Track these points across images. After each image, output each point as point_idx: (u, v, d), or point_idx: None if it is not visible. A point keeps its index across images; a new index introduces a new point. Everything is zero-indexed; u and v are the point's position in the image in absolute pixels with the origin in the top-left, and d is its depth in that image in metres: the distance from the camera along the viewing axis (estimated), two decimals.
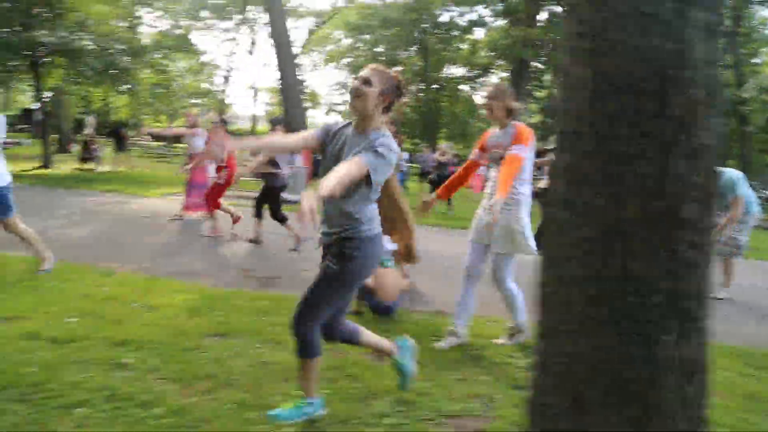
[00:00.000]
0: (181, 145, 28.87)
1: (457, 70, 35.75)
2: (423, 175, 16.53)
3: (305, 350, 2.53)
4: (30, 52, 12.36)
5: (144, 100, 16.11)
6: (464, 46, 32.84)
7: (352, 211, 2.47)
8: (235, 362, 3.25)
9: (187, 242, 7.05)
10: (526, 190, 3.78)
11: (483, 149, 3.96)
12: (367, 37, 29.36)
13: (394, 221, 4.94)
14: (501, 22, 31.67)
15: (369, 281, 4.40)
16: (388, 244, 4.63)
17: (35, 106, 42.23)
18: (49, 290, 4.31)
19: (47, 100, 15.57)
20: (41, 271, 4.73)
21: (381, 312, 4.41)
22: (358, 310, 4.48)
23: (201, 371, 3.08)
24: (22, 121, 35.36)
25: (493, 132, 3.88)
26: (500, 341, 4.00)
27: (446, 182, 4.24)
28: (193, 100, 35.31)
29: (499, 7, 27.84)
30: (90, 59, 12.58)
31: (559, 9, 17.69)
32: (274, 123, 7.39)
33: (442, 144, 17.14)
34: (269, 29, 17.45)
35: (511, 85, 19.40)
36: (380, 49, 30.31)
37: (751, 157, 23.17)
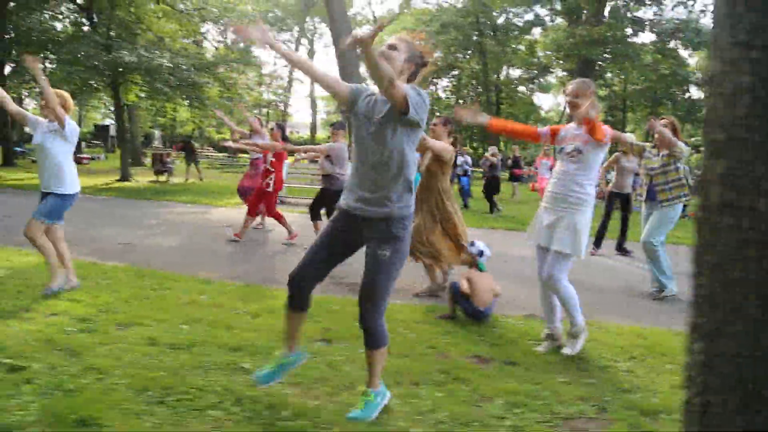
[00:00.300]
0: (245, 156, 29.87)
1: (514, 72, 35.39)
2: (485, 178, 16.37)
3: (379, 341, 2.65)
4: (111, 72, 13.10)
5: (212, 113, 16.65)
6: (522, 47, 32.43)
7: (396, 188, 2.53)
8: (348, 367, 3.31)
9: (270, 250, 7.25)
10: (592, 191, 3.72)
11: (554, 135, 3.90)
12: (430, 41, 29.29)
13: (442, 221, 4.93)
14: (559, 21, 31.17)
15: (465, 286, 4.40)
16: (486, 249, 4.61)
17: (106, 122, 44.74)
18: (154, 298, 4.52)
19: (121, 116, 16.29)
20: (48, 290, 4.39)
21: (476, 317, 4.38)
22: (452, 314, 4.47)
23: (317, 375, 3.15)
24: (94, 136, 37.58)
25: (569, 126, 3.84)
26: (561, 348, 3.85)
27: (502, 122, 4.20)
28: (256, 111, 36.41)
29: (558, 6, 27.37)
30: (166, 76, 13.20)
31: (622, 5, 17.21)
32: (336, 127, 7.45)
33: (490, 148, 17.07)
34: (332, 38, 17.73)
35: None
36: (437, 54, 30.25)
37: None
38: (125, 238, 7.35)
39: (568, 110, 3.89)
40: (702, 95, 25.93)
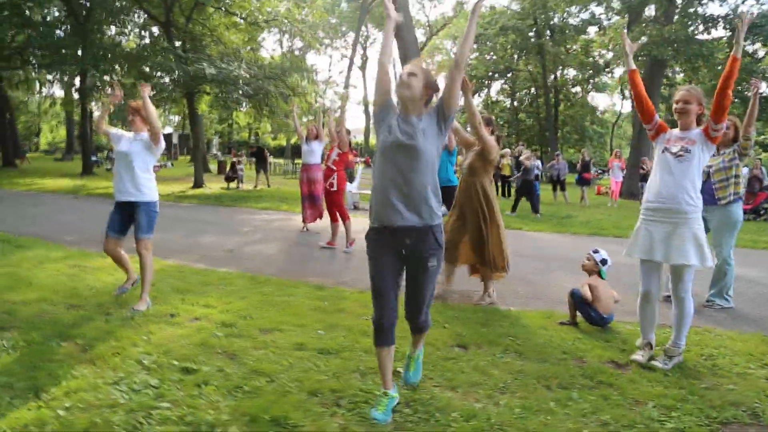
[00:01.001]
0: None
1: (570, 72, 34.72)
2: (555, 182, 16.18)
3: (425, 330, 3.04)
4: (191, 83, 13.71)
5: (280, 120, 17.17)
6: (578, 47, 31.82)
7: (431, 197, 2.72)
8: (495, 371, 3.38)
9: (364, 257, 7.40)
10: (699, 197, 3.59)
11: (659, 130, 3.76)
12: (487, 44, 29.25)
13: (483, 227, 4.87)
14: (616, 19, 30.41)
15: (586, 293, 4.40)
16: (608, 257, 4.60)
17: (167, 130, 46.50)
18: (282, 305, 4.72)
19: (195, 124, 16.94)
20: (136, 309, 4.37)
21: (600, 323, 4.38)
22: (573, 321, 4.48)
23: (469, 379, 3.24)
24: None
25: (674, 131, 3.70)
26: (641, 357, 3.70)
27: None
28: (312, 117, 37.17)
29: (615, 4, 26.71)
30: (243, 86, 13.70)
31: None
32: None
33: (523, 149, 16.84)
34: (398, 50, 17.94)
35: (646, 84, 18.48)
36: (493, 56, 30.14)
37: None
38: (226, 245, 7.68)
39: (676, 117, 3.75)
40: None
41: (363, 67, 42.13)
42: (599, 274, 4.54)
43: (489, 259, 4.89)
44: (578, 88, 35.28)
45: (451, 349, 3.77)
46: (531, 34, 28.20)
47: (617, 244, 8.74)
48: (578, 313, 4.47)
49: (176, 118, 40.51)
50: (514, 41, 28.09)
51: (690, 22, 15.72)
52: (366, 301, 4.89)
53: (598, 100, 77.26)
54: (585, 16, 32.02)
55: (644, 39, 13.24)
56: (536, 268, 6.89)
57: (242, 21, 15.98)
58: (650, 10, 21.06)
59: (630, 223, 11.57)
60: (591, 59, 32.62)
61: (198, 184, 16.36)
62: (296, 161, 30.09)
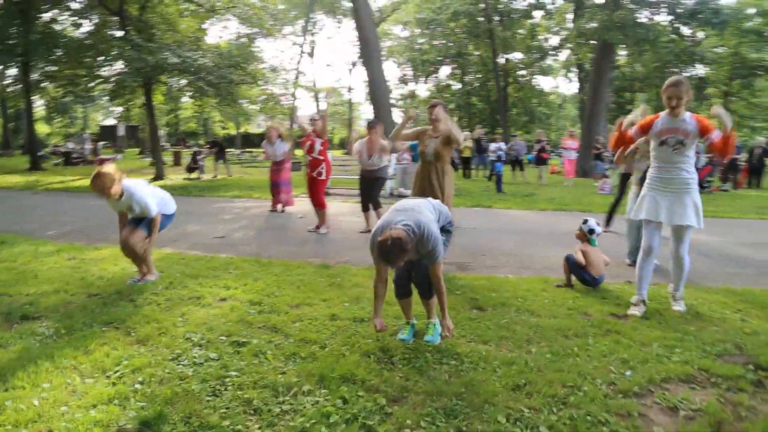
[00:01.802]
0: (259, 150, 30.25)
1: (516, 57, 35.64)
2: (514, 162, 16.83)
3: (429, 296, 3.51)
4: (155, 74, 13.40)
5: (240, 109, 17.00)
6: (531, 31, 32.62)
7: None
8: (516, 327, 3.76)
9: (355, 237, 7.65)
10: (695, 172, 4.20)
11: (644, 130, 4.25)
12: (437, 30, 29.64)
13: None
14: (561, 3, 31.53)
15: (580, 258, 4.86)
16: (596, 227, 5.05)
17: (108, 122, 44.61)
18: (298, 283, 4.95)
19: (153, 116, 16.55)
20: (145, 280, 4.93)
21: (593, 284, 4.85)
22: (569, 283, 4.94)
23: (496, 334, 3.61)
24: (99, 137, 37.67)
25: (660, 119, 4.17)
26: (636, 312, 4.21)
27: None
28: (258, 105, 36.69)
29: None
30: (207, 75, 13.50)
31: None
32: (372, 124, 7.86)
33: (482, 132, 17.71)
34: (356, 31, 18.06)
35: (594, 67, 19.43)
36: (443, 41, 30.60)
37: None
38: (214, 232, 7.76)
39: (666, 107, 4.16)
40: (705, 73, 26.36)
41: (312, 54, 41.85)
42: (589, 241, 5.01)
43: None
44: (525, 72, 36.31)
45: (470, 311, 4.13)
46: (481, 18, 28.78)
47: (580, 218, 9.38)
48: (573, 276, 4.94)
49: (119, 110, 38.95)
50: (464, 26, 28.63)
51: (636, 7, 16.63)
52: (372, 275, 5.20)
53: (544, 83, 79.21)
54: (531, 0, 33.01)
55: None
56: (517, 242, 7.35)
57: (201, 8, 15.62)
58: None
59: (589, 200, 12.45)
60: (536, 43, 33.71)
61: (159, 176, 16.05)
62: (248, 150, 29.82)
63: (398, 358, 3.23)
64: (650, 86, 26.47)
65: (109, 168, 4.66)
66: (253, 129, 44.83)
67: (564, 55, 34.74)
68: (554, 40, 33.67)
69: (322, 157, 7.85)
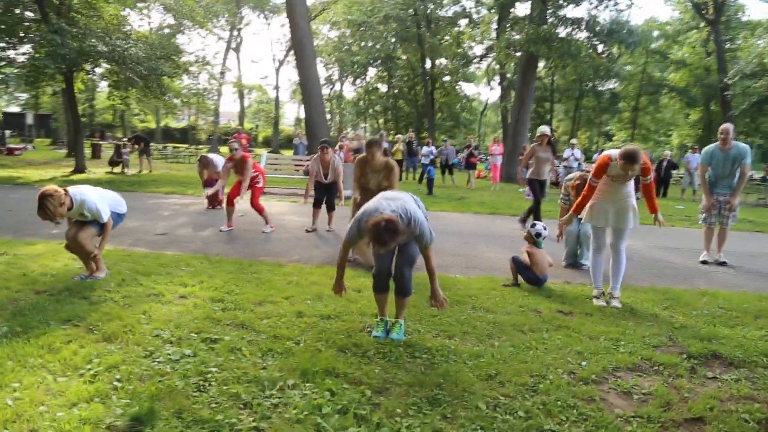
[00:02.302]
0: (184, 145, 29.19)
1: (442, 63, 36.66)
2: (444, 166, 17.35)
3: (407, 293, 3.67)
4: (81, 61, 12.60)
5: (169, 102, 16.30)
6: (456, 38, 33.66)
7: None
8: (476, 323, 4.00)
9: (304, 235, 7.66)
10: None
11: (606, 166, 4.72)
12: (368, 32, 29.91)
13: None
14: (485, 13, 32.90)
15: (526, 259, 5.21)
16: (543, 230, 5.42)
17: (11, 108, 41.18)
18: (256, 281, 4.97)
19: (75, 105, 15.57)
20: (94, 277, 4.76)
21: (537, 283, 5.20)
22: (515, 282, 5.28)
23: (459, 329, 3.83)
24: (5, 125, 34.85)
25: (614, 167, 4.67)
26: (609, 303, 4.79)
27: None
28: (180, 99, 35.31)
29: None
30: (136, 66, 12.87)
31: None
32: (365, 147, 8.05)
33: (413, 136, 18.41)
34: (290, 30, 17.90)
35: (520, 77, 20.41)
36: (372, 44, 30.92)
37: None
38: (155, 229, 7.51)
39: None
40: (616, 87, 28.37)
41: (237, 49, 40.80)
42: (535, 243, 5.37)
43: None
44: (449, 78, 37.42)
45: (429, 308, 4.32)
46: (409, 23, 29.38)
47: (513, 221, 9.92)
48: (519, 276, 5.28)
49: (24, 96, 36.17)
50: (394, 30, 29.10)
51: (560, 23, 17.75)
52: (327, 274, 5.29)
53: (467, 89, 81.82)
54: (457, 8, 34.14)
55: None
56: (458, 243, 7.68)
57: None
58: (524, 9, 23.30)
59: (518, 204, 13.11)
60: (461, 50, 34.88)
61: (80, 169, 15.13)
62: (170, 145, 28.66)
63: (373, 353, 3.36)
64: (569, 98, 28.31)
65: (48, 189, 4.38)
66: (175, 123, 43.10)
67: (486, 63, 36.27)
68: (478, 49, 35.05)
69: (256, 171, 7.92)
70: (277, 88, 39.37)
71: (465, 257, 6.70)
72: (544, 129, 8.91)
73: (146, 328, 3.60)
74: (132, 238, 6.78)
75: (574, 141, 15.58)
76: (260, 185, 8.03)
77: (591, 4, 17.58)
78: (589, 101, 30.08)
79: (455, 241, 7.73)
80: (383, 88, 36.47)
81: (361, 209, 3.50)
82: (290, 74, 67.77)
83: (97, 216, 4.70)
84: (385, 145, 15.58)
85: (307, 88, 17.65)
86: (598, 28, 17.46)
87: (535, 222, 5.54)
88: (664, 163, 16.47)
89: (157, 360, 3.12)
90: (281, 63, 39.29)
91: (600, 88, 27.24)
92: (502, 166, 18.00)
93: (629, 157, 4.40)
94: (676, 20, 28.54)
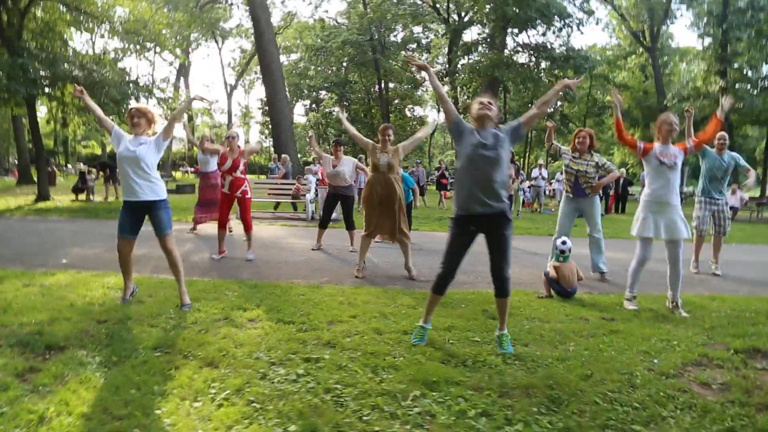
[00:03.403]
0: None
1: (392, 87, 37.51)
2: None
3: (507, 290, 3.94)
4: (54, 85, 12.19)
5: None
6: (399, 63, 34.48)
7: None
8: (541, 331, 4.30)
9: (309, 254, 7.75)
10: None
11: (647, 151, 5.18)
12: (323, 59, 30.34)
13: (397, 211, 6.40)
14: (432, 39, 34.16)
15: (553, 273, 5.58)
16: (563, 245, 5.78)
17: None
18: (305, 302, 5.08)
19: (37, 132, 14.96)
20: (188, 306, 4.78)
21: (564, 295, 5.57)
22: (549, 294, 5.63)
23: (532, 337, 4.11)
24: None
25: (657, 145, 5.18)
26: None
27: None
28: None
29: (435, 26, 30.06)
30: (111, 90, 12.57)
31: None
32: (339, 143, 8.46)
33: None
34: (258, 54, 17.99)
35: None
36: (329, 68, 31.32)
37: None
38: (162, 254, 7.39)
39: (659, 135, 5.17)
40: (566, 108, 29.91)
41: (186, 74, 40.12)
42: (564, 258, 5.74)
43: (401, 230, 6.45)
44: (401, 101, 38.31)
45: (487, 320, 4.60)
46: (365, 48, 30.03)
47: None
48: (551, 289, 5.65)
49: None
50: (350, 54, 29.64)
51: (521, 50, 18.83)
52: (378, 293, 5.48)
53: (417, 112, 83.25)
54: (406, 33, 35.18)
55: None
56: (469, 260, 7.93)
57: (90, 17, 14.40)
58: (472, 35, 24.47)
59: None
60: (410, 74, 35.83)
61: (44, 197, 14.52)
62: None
63: (471, 362, 3.59)
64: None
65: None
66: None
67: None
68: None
69: (244, 176, 7.62)
70: (229, 113, 39.01)
71: (482, 274, 6.98)
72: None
73: (240, 351, 3.66)
74: (151, 266, 6.69)
75: (541, 161, 16.42)
76: (249, 196, 7.63)
77: (549, 29, 18.73)
78: (540, 123, 31.64)
79: (465, 260, 7.97)
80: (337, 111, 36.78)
81: None
82: (240, 99, 66.53)
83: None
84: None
85: (276, 113, 17.74)
86: (555, 54, 18.62)
87: (565, 239, 5.92)
88: (620, 180, 17.59)
89: (275, 381, 3.21)
90: (233, 88, 39.01)
91: (550, 111, 28.82)
92: None
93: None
94: (615, 46, 30.77)
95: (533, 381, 3.27)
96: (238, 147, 7.65)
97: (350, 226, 8.35)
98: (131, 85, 13.83)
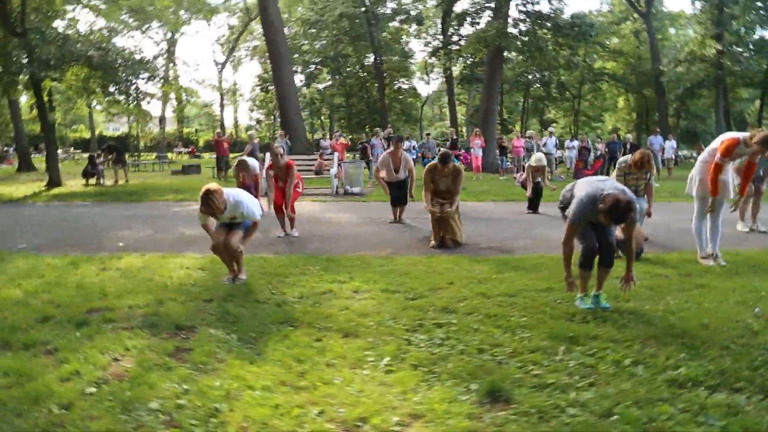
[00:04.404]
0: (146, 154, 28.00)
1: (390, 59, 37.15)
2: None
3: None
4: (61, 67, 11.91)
5: (135, 109, 15.60)
6: (389, 35, 34.09)
7: None
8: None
9: (381, 229, 7.86)
10: None
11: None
12: (321, 31, 29.93)
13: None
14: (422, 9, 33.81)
15: (619, 234, 5.79)
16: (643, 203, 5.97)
17: None
18: (394, 272, 5.21)
19: (46, 115, 14.66)
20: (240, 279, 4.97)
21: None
22: (618, 255, 5.84)
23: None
24: None
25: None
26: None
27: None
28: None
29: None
30: (121, 72, 12.33)
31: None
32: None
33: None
34: (263, 29, 17.74)
35: (488, 70, 21.22)
36: (323, 42, 30.97)
37: (667, 122, 27.10)
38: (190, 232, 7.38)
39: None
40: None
41: (173, 52, 39.27)
42: None
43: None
44: (394, 74, 38.03)
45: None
46: (359, 21, 29.71)
47: (517, 204, 10.42)
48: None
49: None
50: (344, 28, 29.30)
51: (527, 19, 18.80)
52: (455, 261, 5.64)
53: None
54: (395, 5, 34.74)
55: None
56: (518, 229, 8.15)
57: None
58: (462, 5, 24.36)
59: (510, 191, 13.75)
60: (399, 46, 35.55)
61: (55, 182, 14.35)
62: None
63: (589, 318, 3.79)
64: (519, 90, 30.09)
65: (211, 186, 4.62)
66: (110, 132, 40.99)
67: (421, 58, 37.26)
68: (414, 45, 35.72)
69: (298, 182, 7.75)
70: (221, 90, 38.42)
71: (537, 240, 7.17)
72: None
73: (369, 320, 3.80)
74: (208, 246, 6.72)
75: (551, 129, 16.60)
76: (300, 189, 7.87)
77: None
78: (536, 91, 31.90)
79: (513, 228, 8.16)
80: (334, 85, 36.37)
81: (583, 193, 3.87)
82: (227, 76, 64.97)
83: (252, 216, 4.88)
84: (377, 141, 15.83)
85: (283, 89, 17.61)
86: (561, 22, 18.64)
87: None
88: (628, 146, 17.84)
89: (421, 346, 3.34)
90: (223, 65, 38.40)
91: (546, 79, 29.00)
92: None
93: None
94: (608, 12, 30.85)
95: (659, 332, 3.48)
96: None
97: (404, 201, 8.41)
98: (137, 65, 13.55)
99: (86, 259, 5.92)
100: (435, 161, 6.84)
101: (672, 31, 34.47)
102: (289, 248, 6.63)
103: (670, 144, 18.98)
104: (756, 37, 24.64)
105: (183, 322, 3.81)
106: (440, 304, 4.16)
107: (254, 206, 4.95)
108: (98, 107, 27.96)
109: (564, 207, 4.29)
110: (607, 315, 3.85)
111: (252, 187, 8.86)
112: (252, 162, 9.71)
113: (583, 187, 4.01)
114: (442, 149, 18.44)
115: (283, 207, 7.43)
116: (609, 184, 3.92)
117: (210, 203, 4.51)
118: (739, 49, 24.35)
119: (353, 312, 4.00)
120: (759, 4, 23.00)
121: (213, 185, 4.64)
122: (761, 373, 2.91)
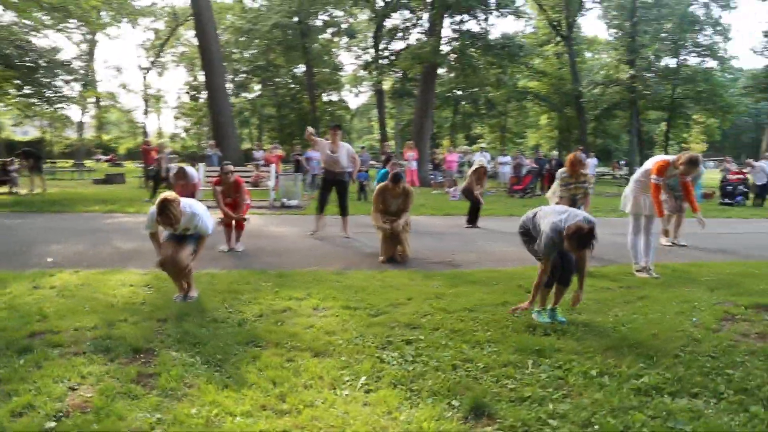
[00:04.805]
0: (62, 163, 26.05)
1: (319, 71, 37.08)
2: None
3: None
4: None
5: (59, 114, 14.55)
6: (320, 46, 34.05)
7: None
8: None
9: (311, 243, 7.77)
10: None
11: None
12: (253, 40, 29.35)
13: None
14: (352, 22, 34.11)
15: None
16: None
17: None
18: (339, 287, 5.20)
19: None
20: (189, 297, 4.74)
21: None
22: None
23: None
24: None
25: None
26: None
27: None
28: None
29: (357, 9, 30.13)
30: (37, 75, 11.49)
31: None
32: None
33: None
34: (197, 36, 17.20)
35: (422, 86, 21.65)
36: (254, 51, 30.44)
37: (586, 140, 28.80)
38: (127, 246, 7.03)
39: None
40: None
41: (92, 54, 37.19)
42: None
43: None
44: (322, 87, 38.00)
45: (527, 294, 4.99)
46: (292, 32, 29.47)
47: (455, 218, 10.77)
48: None
49: None
50: (276, 38, 28.95)
51: (459, 38, 19.38)
52: (408, 276, 5.69)
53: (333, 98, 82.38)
54: (326, 17, 34.80)
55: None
56: (460, 242, 8.37)
57: None
58: (393, 21, 24.82)
59: (447, 204, 14.09)
60: (328, 58, 35.62)
61: None
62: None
63: (549, 331, 3.95)
64: (448, 105, 30.89)
65: (168, 195, 4.41)
66: (19, 136, 38.00)
67: (351, 71, 37.58)
68: (344, 58, 35.86)
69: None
70: (146, 96, 36.71)
71: (481, 254, 7.39)
72: None
73: (336, 339, 3.76)
74: (149, 260, 6.41)
75: (484, 145, 17.18)
76: (248, 202, 7.63)
77: (484, 16, 19.43)
78: (464, 107, 32.98)
79: (455, 241, 8.38)
80: (263, 96, 35.76)
81: (547, 227, 4.02)
82: (151, 82, 62.31)
83: (204, 231, 4.71)
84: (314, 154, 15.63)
85: (215, 97, 17.13)
86: (492, 42, 19.41)
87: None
88: (553, 162, 18.78)
89: (394, 364, 3.34)
90: (147, 70, 36.74)
91: (474, 96, 30.05)
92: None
93: (695, 162, 5.48)
94: (532, 34, 32.46)
95: (614, 343, 3.70)
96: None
97: (344, 212, 8.37)
98: (59, 67, 12.73)
99: (13, 276, 5.47)
100: (386, 182, 6.77)
101: (588, 54, 36.86)
102: (237, 263, 6.44)
103: (592, 161, 20.18)
104: (662, 64, 26.90)
105: (140, 345, 3.59)
106: (404, 320, 4.19)
107: (209, 220, 4.77)
108: (3, 109, 25.90)
109: (524, 232, 4.45)
110: (565, 328, 4.03)
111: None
112: (191, 171, 9.40)
113: (547, 218, 4.16)
114: (392, 164, 18.62)
115: (232, 221, 7.25)
116: (571, 213, 4.11)
117: (168, 213, 4.30)
118: (649, 75, 26.45)
119: (319, 330, 3.95)
120: (664, 35, 25.10)
121: (170, 194, 4.43)
122: (712, 378, 3.17)
